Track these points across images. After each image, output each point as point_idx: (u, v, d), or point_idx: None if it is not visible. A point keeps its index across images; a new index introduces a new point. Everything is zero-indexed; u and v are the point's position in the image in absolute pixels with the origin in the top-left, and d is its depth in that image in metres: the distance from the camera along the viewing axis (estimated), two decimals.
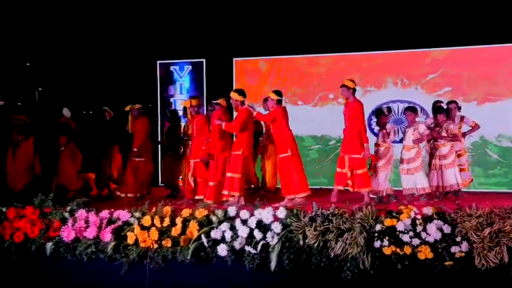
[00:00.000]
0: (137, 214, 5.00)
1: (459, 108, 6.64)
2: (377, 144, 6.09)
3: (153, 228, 4.79)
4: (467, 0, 7.44)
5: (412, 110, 6.17)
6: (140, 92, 8.44)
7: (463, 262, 4.06)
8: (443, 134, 6.18)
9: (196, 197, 6.23)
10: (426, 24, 7.71)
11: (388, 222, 4.32)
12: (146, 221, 4.86)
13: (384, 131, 6.03)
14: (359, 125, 5.81)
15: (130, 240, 4.82)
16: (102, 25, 8.42)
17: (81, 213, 5.12)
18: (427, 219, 4.30)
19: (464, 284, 4.08)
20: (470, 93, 7.78)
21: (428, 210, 4.37)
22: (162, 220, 4.83)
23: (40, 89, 8.84)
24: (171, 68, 9.07)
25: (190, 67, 8.97)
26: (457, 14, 7.55)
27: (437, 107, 6.37)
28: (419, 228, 4.24)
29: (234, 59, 8.73)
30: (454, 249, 4.09)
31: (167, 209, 4.92)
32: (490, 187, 7.62)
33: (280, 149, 5.83)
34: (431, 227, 4.19)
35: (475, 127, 6.51)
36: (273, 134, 5.99)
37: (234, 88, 8.20)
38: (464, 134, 6.50)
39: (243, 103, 5.96)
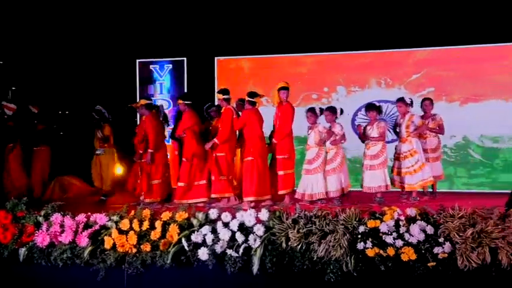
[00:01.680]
0: (115, 218, 4.93)
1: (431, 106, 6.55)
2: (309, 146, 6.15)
3: (132, 232, 4.72)
4: (450, 0, 7.58)
5: (330, 110, 6.21)
6: (119, 91, 8.34)
7: (446, 263, 4.10)
8: (375, 133, 6.15)
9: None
10: (410, 24, 7.81)
11: (371, 223, 4.34)
12: (124, 224, 4.79)
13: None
14: (288, 127, 6.03)
15: (107, 244, 4.75)
16: (80, 22, 8.30)
17: (56, 217, 5.02)
18: (411, 220, 4.34)
19: (447, 285, 4.13)
20: (454, 93, 7.91)
21: (411, 211, 4.41)
22: (141, 224, 4.77)
23: (14, 88, 8.67)
24: (151, 66, 8.99)
25: (171, 66, 8.90)
26: (440, 14, 7.67)
27: (368, 104, 6.40)
28: (402, 230, 4.27)
29: (216, 57, 8.70)
30: (437, 250, 4.12)
31: (146, 212, 4.86)
32: (472, 187, 7.75)
33: (246, 151, 5.97)
34: (415, 228, 4.22)
35: (438, 129, 6.37)
36: (244, 136, 6.11)
37: (215, 87, 8.21)
38: (421, 136, 6.33)
39: (227, 101, 6.10)
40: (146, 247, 4.64)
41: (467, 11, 7.56)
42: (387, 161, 6.17)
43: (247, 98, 6.07)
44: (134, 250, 4.70)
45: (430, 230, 4.23)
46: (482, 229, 4.11)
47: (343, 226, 4.35)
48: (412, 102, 6.35)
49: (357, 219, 4.41)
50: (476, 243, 4.06)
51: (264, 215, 4.58)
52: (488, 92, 7.77)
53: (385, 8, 7.81)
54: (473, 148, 7.86)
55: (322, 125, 6.13)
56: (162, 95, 8.82)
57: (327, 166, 6.02)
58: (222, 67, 8.73)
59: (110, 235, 4.79)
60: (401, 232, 4.26)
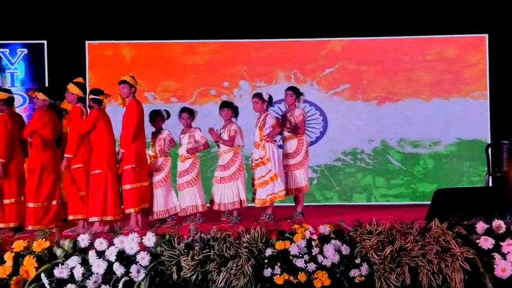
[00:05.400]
0: None
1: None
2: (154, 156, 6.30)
3: None
4: None
5: (188, 111, 6.43)
6: None
7: (363, 287, 4.36)
8: (225, 136, 6.35)
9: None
10: (323, 11, 8.17)
11: (279, 245, 4.38)
12: None
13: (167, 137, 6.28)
14: (131, 131, 6.05)
15: None
16: None
17: None
18: (324, 240, 4.51)
19: None
20: (370, 92, 8.44)
21: (325, 229, 4.57)
22: None
23: None
24: None
25: (25, 51, 8.46)
26: (356, 1, 8.15)
27: (222, 102, 6.63)
28: (315, 251, 4.40)
29: (87, 42, 8.41)
30: (353, 273, 4.26)
31: None
32: (391, 199, 8.32)
33: (93, 163, 5.91)
34: (329, 249, 4.33)
35: (292, 128, 6.39)
36: (91, 144, 6.02)
37: (88, 79, 7.94)
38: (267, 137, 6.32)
39: (80, 100, 6.02)
40: None
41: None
42: (242, 170, 6.30)
43: (90, 96, 6.05)
44: None
45: (345, 250, 4.38)
46: (401, 246, 4.37)
47: (247, 249, 4.36)
48: (270, 98, 6.43)
49: (263, 241, 4.48)
50: (396, 262, 4.30)
51: (149, 240, 4.48)
52: (406, 90, 8.36)
53: None
54: (392, 154, 8.46)
55: (167, 131, 6.32)
56: (14, 87, 8.27)
57: (180, 179, 6.28)
58: (96, 54, 8.45)
59: None
60: (313, 254, 4.38)
